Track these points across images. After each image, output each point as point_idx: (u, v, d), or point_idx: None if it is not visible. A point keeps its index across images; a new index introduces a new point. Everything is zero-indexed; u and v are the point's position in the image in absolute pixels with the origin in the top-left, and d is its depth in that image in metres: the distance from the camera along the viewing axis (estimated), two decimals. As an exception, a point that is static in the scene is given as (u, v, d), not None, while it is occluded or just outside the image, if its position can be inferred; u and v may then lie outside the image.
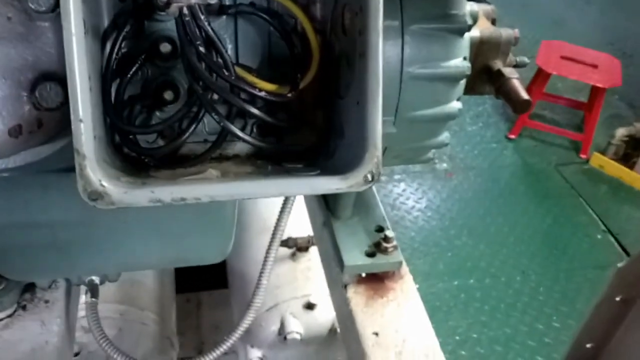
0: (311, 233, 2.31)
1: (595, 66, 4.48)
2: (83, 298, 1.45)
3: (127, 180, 0.78)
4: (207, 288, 3.05)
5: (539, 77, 4.51)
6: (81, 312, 1.45)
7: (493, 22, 1.37)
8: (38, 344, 1.22)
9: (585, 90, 4.81)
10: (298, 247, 2.32)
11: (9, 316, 1.26)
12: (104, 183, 0.73)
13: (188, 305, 3.03)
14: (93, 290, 1.34)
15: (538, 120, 4.77)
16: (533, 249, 3.72)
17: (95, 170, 0.72)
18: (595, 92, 4.53)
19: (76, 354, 1.84)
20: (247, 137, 0.87)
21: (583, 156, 4.59)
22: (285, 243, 2.28)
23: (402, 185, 4.11)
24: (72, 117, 0.71)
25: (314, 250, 2.32)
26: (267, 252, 1.28)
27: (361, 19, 0.80)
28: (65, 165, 0.94)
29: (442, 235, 3.75)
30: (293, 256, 2.34)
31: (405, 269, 1.48)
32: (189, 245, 1.20)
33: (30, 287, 1.31)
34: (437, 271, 3.49)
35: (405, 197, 4.06)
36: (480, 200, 4.06)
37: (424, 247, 3.64)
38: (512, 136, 4.70)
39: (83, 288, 1.42)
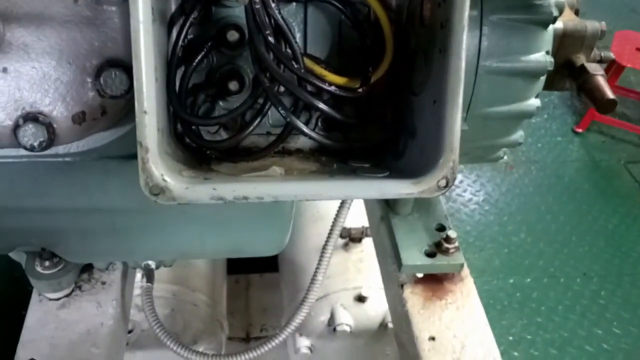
0: (365, 224, 2.27)
1: (673, 60, 4.21)
2: (138, 276, 1.45)
3: (189, 175, 0.75)
4: (257, 270, 3.05)
5: (612, 69, 4.28)
6: (136, 291, 1.46)
7: (576, 12, 1.28)
8: (93, 326, 1.23)
9: (660, 84, 4.55)
10: (351, 237, 2.28)
11: (67, 296, 1.27)
12: (166, 178, 0.70)
13: (237, 286, 3.04)
14: (149, 275, 1.34)
15: (608, 114, 4.53)
16: (596, 250, 3.55)
17: (157, 164, 0.70)
18: (672, 87, 4.26)
19: (129, 332, 1.87)
20: (313, 134, 0.83)
21: (655, 154, 4.35)
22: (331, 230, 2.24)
23: (460, 176, 3.99)
24: (136, 108, 0.68)
25: (367, 242, 2.28)
26: (324, 249, 1.24)
27: (445, 10, 0.74)
28: (128, 152, 0.92)
29: (499, 230, 3.62)
30: (345, 246, 2.30)
31: (466, 270, 1.41)
32: (246, 236, 1.18)
33: (88, 268, 1.32)
34: (493, 268, 3.38)
35: (462, 189, 3.94)
36: (542, 196, 3.90)
37: (480, 242, 3.53)
38: (580, 130, 4.49)
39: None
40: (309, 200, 0.74)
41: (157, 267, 1.33)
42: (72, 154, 0.93)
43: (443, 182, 0.75)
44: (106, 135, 0.91)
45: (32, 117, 0.77)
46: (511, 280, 3.34)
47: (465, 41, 0.72)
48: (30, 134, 0.77)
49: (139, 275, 1.44)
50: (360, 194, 0.75)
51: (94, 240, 1.12)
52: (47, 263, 1.22)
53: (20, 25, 0.75)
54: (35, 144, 0.77)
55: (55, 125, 0.79)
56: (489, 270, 3.37)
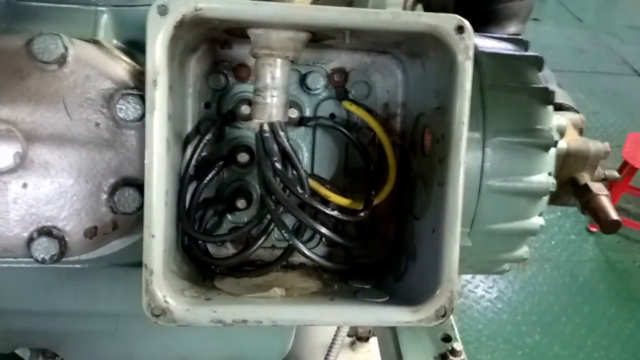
0: (374, 322, 2.24)
1: (686, 162, 4.23)
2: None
3: (191, 295, 0.77)
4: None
5: (624, 170, 4.30)
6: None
7: (580, 132, 1.32)
8: None
9: (673, 185, 4.54)
10: (358, 336, 2.24)
11: (65, 395, 1.25)
12: (168, 299, 0.72)
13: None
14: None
15: (622, 214, 4.49)
16: (612, 356, 3.43)
17: (161, 286, 0.72)
18: (685, 189, 4.26)
19: None
20: (314, 257, 0.85)
21: (670, 256, 4.28)
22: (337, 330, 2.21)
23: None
24: (145, 232, 0.71)
25: (374, 341, 2.24)
26: (330, 350, 1.23)
27: (442, 147, 0.77)
28: (134, 260, 0.95)
29: (512, 330, 3.53)
30: (352, 345, 2.25)
31: (472, 385, 1.38)
32: (247, 343, 1.18)
33: (89, 367, 1.31)
34: (506, 371, 3.28)
35: (475, 285, 3.89)
36: (556, 295, 3.82)
37: (493, 342, 3.44)
38: (594, 229, 4.46)
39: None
40: (307, 325, 0.75)
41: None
42: (81, 261, 0.95)
43: (441, 312, 0.76)
44: (115, 244, 0.94)
45: (46, 231, 0.81)
46: (525, 385, 3.23)
47: (462, 177, 0.75)
48: (43, 248, 0.80)
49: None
50: (358, 321, 0.77)
51: (95, 344, 1.12)
52: (49, 361, 1.22)
53: (43, 145, 0.80)
54: (47, 257, 0.80)
55: (67, 239, 0.82)
56: (501, 374, 3.27)
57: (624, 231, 4.47)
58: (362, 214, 0.86)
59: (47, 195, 0.81)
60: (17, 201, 0.81)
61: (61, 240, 0.81)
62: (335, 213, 0.84)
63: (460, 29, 0.72)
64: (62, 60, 0.80)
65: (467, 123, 0.74)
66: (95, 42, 0.88)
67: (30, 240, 0.81)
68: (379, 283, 0.88)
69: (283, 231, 0.82)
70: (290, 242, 0.83)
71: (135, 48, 0.94)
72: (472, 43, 0.73)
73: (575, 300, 3.82)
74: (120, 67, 0.84)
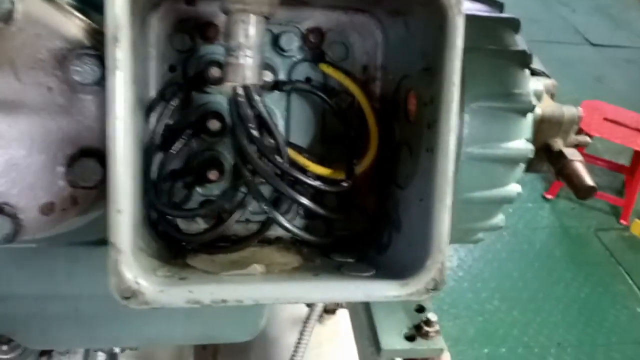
0: (341, 294, 2.22)
1: (639, 130, 4.35)
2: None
3: (164, 274, 0.71)
4: (227, 338, 2.93)
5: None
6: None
7: (552, 96, 1.30)
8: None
9: (625, 152, 4.67)
10: (325, 309, 2.22)
11: (24, 381, 1.18)
12: (139, 280, 0.66)
13: (204, 352, 2.92)
14: (112, 359, 1.26)
15: (576, 181, 4.61)
16: (569, 320, 3.54)
17: (130, 266, 0.65)
18: (638, 157, 4.38)
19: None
20: (294, 229, 0.80)
21: (623, 222, 4.42)
22: (311, 304, 2.18)
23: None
24: (109, 207, 0.64)
25: (341, 313, 2.22)
26: (302, 333, 1.19)
27: (431, 111, 0.72)
28: (95, 237, 0.88)
29: (473, 297, 3.60)
30: (319, 318, 2.23)
31: (446, 355, 1.37)
32: (217, 322, 1.12)
33: (47, 352, 1.23)
34: (467, 337, 3.33)
35: (436, 254, 3.92)
36: (514, 262, 3.91)
37: (454, 310, 3.49)
38: (549, 196, 4.56)
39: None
40: (292, 303, 0.70)
41: (122, 351, 1.26)
42: (37, 241, 0.87)
43: (431, 284, 0.72)
44: (73, 222, 0.86)
45: (-4, 208, 0.72)
46: (486, 350, 3.29)
47: (453, 142, 0.71)
48: (-6, 227, 0.72)
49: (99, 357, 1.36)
50: (346, 297, 0.72)
51: (55, 327, 1.05)
52: (4, 347, 1.14)
53: (-11, 112, 0.71)
54: (0, 236, 0.72)
55: (21, 216, 0.74)
56: (463, 340, 3.32)
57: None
58: (344, 184, 0.81)
59: (-4, 168, 0.73)
60: (-38, 176, 0.72)
61: (14, 218, 0.73)
62: (317, 183, 0.79)
63: (451, -18, 0.67)
64: (8, 17, 0.70)
65: (458, 84, 0.70)
66: (45, -3, 0.79)
67: (-21, 218, 0.72)
68: (362, 256, 0.84)
69: (262, 203, 0.77)
70: (270, 215, 0.77)
71: (88, 5, 0.85)
72: (463, -4, 0.68)
73: (533, 266, 3.92)
74: (74, 25, 0.75)
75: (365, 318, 1.44)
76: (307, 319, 1.20)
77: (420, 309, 1.42)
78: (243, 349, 2.64)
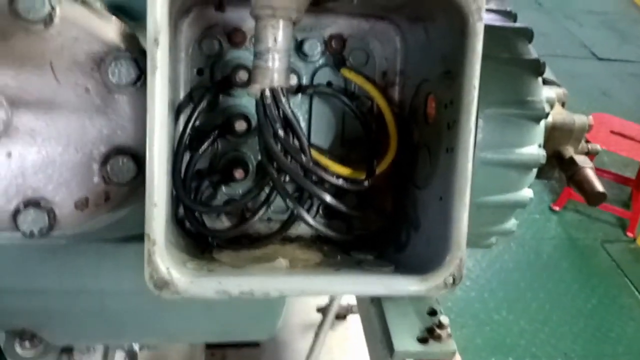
0: (350, 301, 2.24)
1: (645, 143, 4.36)
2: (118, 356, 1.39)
3: (193, 267, 0.74)
4: (235, 344, 2.94)
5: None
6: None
7: (563, 105, 1.32)
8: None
9: (632, 165, 4.68)
10: (336, 315, 2.24)
11: (45, 378, 1.21)
12: (172, 271, 0.69)
13: (212, 359, 2.94)
14: (132, 358, 1.28)
15: (583, 193, 4.62)
16: (576, 330, 3.54)
17: (164, 257, 0.68)
18: (644, 169, 4.40)
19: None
20: (318, 226, 0.83)
21: (630, 234, 4.42)
22: (322, 310, 2.20)
23: (440, 250, 3.98)
24: (147, 201, 0.67)
25: (351, 319, 2.24)
26: (315, 341, 1.21)
27: (451, 112, 0.76)
28: (122, 235, 0.91)
29: (480, 307, 3.60)
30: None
31: (458, 358, 1.39)
32: (237, 320, 1.15)
33: (67, 350, 1.26)
34: (475, 346, 3.34)
35: (443, 264, 3.93)
36: (521, 272, 3.91)
37: (461, 319, 3.50)
38: (557, 208, 4.57)
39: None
40: (315, 295, 0.73)
41: (140, 349, 1.28)
42: (66, 237, 0.91)
43: (450, 280, 0.75)
44: (103, 219, 0.89)
45: (33, 203, 0.76)
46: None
47: (472, 142, 0.74)
48: (31, 220, 0.75)
49: (119, 356, 1.38)
50: (368, 290, 0.75)
51: (80, 323, 1.08)
52: (27, 344, 1.16)
53: (28, 111, 0.75)
54: (35, 230, 0.75)
55: (56, 211, 0.77)
56: (471, 349, 3.33)
57: (585, 210, 4.60)
58: (365, 183, 0.84)
59: (34, 164, 0.76)
60: (0, 171, 0.76)
61: (50, 212, 0.77)
62: (339, 182, 0.82)
63: (472, -11, 0.71)
64: (48, 20, 0.74)
65: (477, 87, 0.73)
66: (83, 2, 0.82)
67: (16, 212, 0.76)
68: (381, 254, 0.87)
69: (287, 199, 0.80)
70: (295, 211, 0.80)
71: (121, 12, 0.89)
72: (483, 4, 0.71)
73: (540, 277, 3.91)
74: (110, 29, 0.79)
75: (377, 321, 1.46)
76: (320, 325, 1.22)
77: (433, 312, 1.43)
78: (253, 355, 2.66)
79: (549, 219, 4.50)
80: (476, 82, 0.72)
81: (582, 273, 4.04)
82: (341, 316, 2.23)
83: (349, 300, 2.21)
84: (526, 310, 3.63)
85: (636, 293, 3.90)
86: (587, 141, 1.27)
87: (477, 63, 0.72)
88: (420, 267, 0.76)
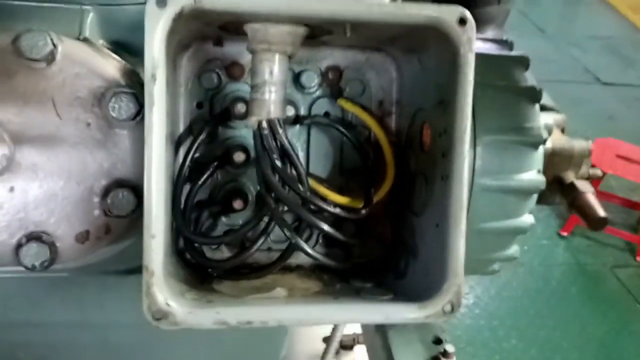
0: (356, 330, 2.22)
1: (652, 167, 4.35)
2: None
3: (192, 297, 0.74)
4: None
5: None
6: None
7: (563, 130, 1.33)
8: None
9: (639, 189, 4.66)
10: (342, 345, 2.22)
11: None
12: (170, 302, 0.69)
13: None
14: (135, 390, 1.28)
15: (591, 218, 4.59)
16: (588, 358, 3.48)
17: (162, 288, 0.69)
18: (652, 193, 4.38)
19: None
20: (316, 255, 0.83)
21: (639, 259, 4.38)
22: (327, 339, 2.18)
23: (448, 278, 3.95)
24: (144, 232, 0.68)
25: (358, 350, 2.22)
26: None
27: (445, 140, 0.77)
28: (125, 267, 0.91)
29: (490, 336, 3.56)
30: (336, 354, 2.23)
31: (464, 387, 1.37)
32: (239, 351, 1.15)
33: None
34: (485, 376, 3.30)
35: (451, 292, 3.90)
36: (531, 300, 3.87)
37: (471, 348, 3.45)
38: (564, 233, 4.54)
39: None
40: (314, 324, 0.73)
41: (144, 382, 1.28)
42: (69, 270, 0.92)
43: (448, 307, 0.75)
44: (104, 252, 0.90)
45: (35, 237, 0.77)
46: (504, 389, 3.25)
47: (466, 170, 0.74)
48: (33, 254, 0.76)
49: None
50: (366, 318, 0.75)
51: (83, 356, 1.08)
52: (30, 377, 1.16)
53: (31, 147, 0.77)
54: (37, 263, 0.76)
55: (58, 244, 0.78)
56: (481, 378, 3.28)
57: (593, 235, 4.57)
58: (363, 211, 0.85)
59: (36, 199, 0.78)
60: (4, 206, 0.77)
61: (51, 246, 0.78)
62: (337, 210, 0.83)
63: (462, 21, 0.72)
64: (50, 58, 0.77)
65: (469, 114, 0.74)
66: (85, 40, 0.85)
67: (19, 246, 0.77)
68: (380, 282, 0.87)
69: (285, 229, 0.81)
70: (293, 241, 0.81)
71: (122, 48, 0.91)
72: (474, 35, 0.73)
73: (549, 304, 3.87)
74: (111, 65, 0.81)
75: (382, 350, 1.45)
76: (323, 355, 1.22)
77: (438, 341, 1.42)
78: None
79: (557, 244, 4.47)
80: (469, 110, 0.74)
81: (592, 299, 3.99)
82: (348, 346, 2.21)
83: (356, 329, 2.19)
84: (536, 338, 3.58)
85: (648, 319, 3.85)
86: (593, 165, 1.28)
87: (469, 92, 0.73)
88: (418, 294, 0.77)
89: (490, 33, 1.82)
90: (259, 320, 0.71)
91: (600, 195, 4.50)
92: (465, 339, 3.50)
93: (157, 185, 0.68)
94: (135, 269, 0.77)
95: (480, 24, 1.82)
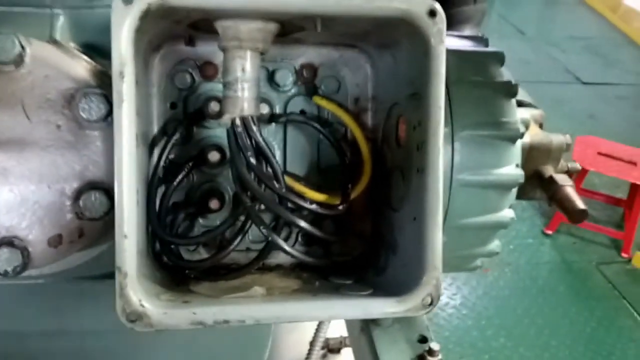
0: (343, 333, 2.21)
1: (633, 163, 4.39)
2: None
3: (167, 298, 0.73)
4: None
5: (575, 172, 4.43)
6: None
7: (540, 126, 1.34)
8: None
9: (623, 186, 4.70)
10: (329, 348, 2.20)
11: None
12: (144, 303, 0.68)
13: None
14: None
15: (575, 216, 4.62)
16: (576, 355, 3.50)
17: (136, 289, 0.68)
18: (635, 189, 4.41)
19: None
20: (294, 252, 0.82)
21: (625, 255, 4.41)
22: (312, 342, 2.17)
23: (435, 279, 3.95)
24: (116, 232, 0.67)
25: (345, 352, 2.21)
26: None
27: (420, 133, 0.76)
28: (101, 272, 0.90)
29: (478, 335, 3.56)
30: (324, 358, 2.22)
31: (450, 385, 1.37)
32: (221, 354, 1.13)
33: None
34: (474, 375, 3.30)
35: (439, 293, 3.90)
36: (518, 298, 3.88)
37: (459, 348, 3.46)
38: (549, 232, 4.57)
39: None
40: (292, 322, 0.72)
41: (127, 390, 1.26)
42: (44, 276, 0.90)
43: (428, 300, 0.74)
44: (80, 256, 0.89)
45: (7, 242, 0.76)
46: (494, 389, 3.25)
47: (441, 162, 0.74)
48: (5, 259, 0.75)
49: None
50: (345, 314, 0.74)
51: (61, 364, 1.06)
52: (9, 388, 1.14)
53: (1, 150, 0.75)
54: (9, 269, 0.75)
55: (30, 249, 0.77)
56: (471, 378, 3.28)
57: (578, 232, 4.60)
58: (340, 207, 0.85)
59: (7, 203, 0.76)
60: (-26, 212, 0.76)
61: (23, 251, 0.76)
62: (314, 207, 0.82)
63: (432, 13, 0.72)
64: (19, 60, 0.75)
65: (443, 107, 0.74)
66: (54, 42, 0.84)
67: (-10, 252, 0.75)
68: (360, 278, 0.86)
69: (261, 227, 0.80)
70: (270, 239, 0.80)
71: (93, 51, 0.90)
72: (444, 27, 0.73)
73: (537, 302, 3.89)
74: (81, 66, 0.80)
75: (368, 350, 1.44)
76: (307, 358, 1.21)
77: (423, 340, 1.42)
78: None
79: (543, 243, 4.49)
80: (441, 102, 0.73)
81: (579, 296, 4.01)
82: (335, 350, 2.20)
83: (343, 332, 2.18)
84: (524, 336, 3.59)
85: (635, 314, 3.88)
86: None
87: (442, 84, 0.73)
88: (397, 288, 0.76)
89: (467, 32, 1.83)
90: (236, 319, 0.70)
91: (583, 192, 4.56)
92: (454, 340, 3.51)
93: (128, 183, 0.67)
94: (111, 274, 0.76)
95: (457, 24, 1.84)
